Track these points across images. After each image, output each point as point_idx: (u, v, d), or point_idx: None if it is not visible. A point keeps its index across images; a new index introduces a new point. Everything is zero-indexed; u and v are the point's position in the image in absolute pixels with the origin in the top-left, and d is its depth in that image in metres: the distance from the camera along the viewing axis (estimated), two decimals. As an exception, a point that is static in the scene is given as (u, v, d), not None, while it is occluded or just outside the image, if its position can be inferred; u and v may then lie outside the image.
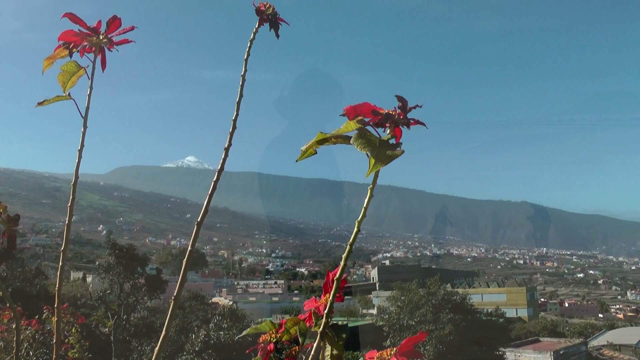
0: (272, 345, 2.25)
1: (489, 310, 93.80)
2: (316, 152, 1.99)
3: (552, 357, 54.73)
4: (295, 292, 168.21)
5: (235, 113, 2.44)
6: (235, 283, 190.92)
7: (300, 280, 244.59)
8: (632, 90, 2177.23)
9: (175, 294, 1.94)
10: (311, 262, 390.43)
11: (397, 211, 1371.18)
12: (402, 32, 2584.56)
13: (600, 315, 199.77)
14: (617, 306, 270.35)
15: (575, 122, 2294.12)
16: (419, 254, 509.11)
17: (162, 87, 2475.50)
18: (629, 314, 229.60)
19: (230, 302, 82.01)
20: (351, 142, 1.85)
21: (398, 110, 1.94)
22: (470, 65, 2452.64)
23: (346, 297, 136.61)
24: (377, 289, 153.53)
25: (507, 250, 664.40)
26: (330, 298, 2.13)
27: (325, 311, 2.12)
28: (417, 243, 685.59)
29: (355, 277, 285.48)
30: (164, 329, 2.17)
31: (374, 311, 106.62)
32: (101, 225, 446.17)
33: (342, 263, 2.07)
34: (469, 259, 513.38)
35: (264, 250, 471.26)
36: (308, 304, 2.31)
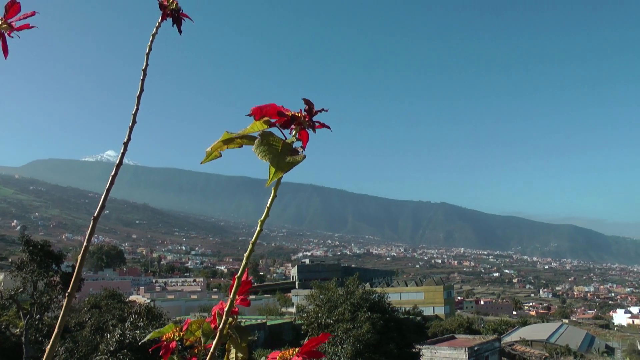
0: (174, 344, 2.27)
1: (407, 309, 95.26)
2: (221, 155, 1.98)
3: (467, 353, 55.86)
4: (215, 290, 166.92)
5: (135, 107, 2.40)
6: (154, 281, 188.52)
7: (220, 278, 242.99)
8: (547, 98, 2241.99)
9: (69, 291, 1.91)
10: (231, 260, 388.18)
11: (319, 210, 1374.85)
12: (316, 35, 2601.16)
13: (514, 313, 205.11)
14: (531, 304, 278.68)
15: (492, 128, 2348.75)
16: (339, 253, 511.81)
17: (80, 78, 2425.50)
18: (541, 311, 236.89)
19: (148, 301, 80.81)
20: (253, 149, 1.86)
21: (304, 113, 1.94)
22: (393, 66, 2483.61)
23: (265, 295, 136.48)
24: (297, 287, 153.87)
25: (425, 250, 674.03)
26: (231, 297, 2.08)
27: (225, 309, 2.08)
28: (337, 242, 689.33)
29: (275, 275, 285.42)
30: (57, 326, 1.85)
31: (293, 310, 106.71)
32: (15, 221, 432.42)
33: (243, 262, 2.07)
34: (388, 258, 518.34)
35: (184, 248, 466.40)
36: (216, 308, 2.26)
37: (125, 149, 2.43)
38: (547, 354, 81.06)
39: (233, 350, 2.12)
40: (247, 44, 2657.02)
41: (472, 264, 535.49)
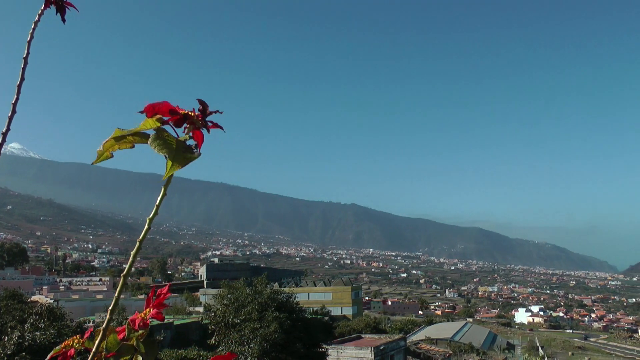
0: (72, 351, 2.20)
1: (315, 309, 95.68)
2: (112, 156, 1.95)
3: (372, 352, 56.45)
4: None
5: (15, 97, 2.32)
6: (58, 280, 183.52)
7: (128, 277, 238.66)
8: (455, 105, 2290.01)
9: None
10: (139, 258, 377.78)
11: (229, 209, 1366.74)
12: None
13: (421, 312, 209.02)
14: (437, 303, 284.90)
15: (402, 132, 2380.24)
16: (248, 253, 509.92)
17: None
18: (447, 310, 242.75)
19: (51, 301, 78.64)
20: (148, 143, 1.85)
21: (197, 113, 1.92)
22: (304, 72, 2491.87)
23: (173, 294, 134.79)
24: (205, 286, 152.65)
25: (335, 251, 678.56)
26: (116, 294, 2.06)
27: (110, 308, 2.05)
28: (247, 241, 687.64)
29: (183, 274, 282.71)
30: None
31: (201, 309, 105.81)
32: None
33: (130, 259, 1.70)
34: (297, 259, 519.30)
35: (90, 246, 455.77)
36: (132, 318, 2.16)
37: (3, 140, 2.33)
38: (451, 352, 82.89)
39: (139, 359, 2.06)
40: (163, 41, 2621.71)
41: (381, 264, 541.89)
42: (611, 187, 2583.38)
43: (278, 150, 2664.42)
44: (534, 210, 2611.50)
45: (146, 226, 2.02)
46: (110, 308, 2.01)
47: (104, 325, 2.01)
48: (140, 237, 1.98)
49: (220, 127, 1.97)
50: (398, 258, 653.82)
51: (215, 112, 1.93)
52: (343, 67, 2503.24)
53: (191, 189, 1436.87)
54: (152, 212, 2.03)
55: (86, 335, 2.19)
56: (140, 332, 2.06)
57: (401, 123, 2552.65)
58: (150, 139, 1.84)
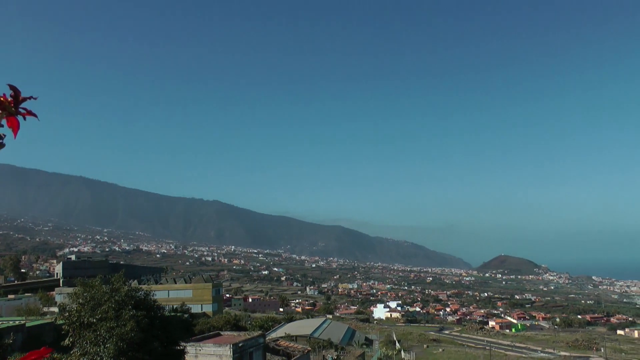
0: None
1: (175, 306, 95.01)
2: None
3: (231, 350, 56.73)
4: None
5: None
6: None
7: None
8: (311, 103, 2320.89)
9: None
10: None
11: (87, 204, 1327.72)
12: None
13: (281, 310, 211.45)
14: (297, 300, 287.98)
15: (267, 130, 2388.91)
16: (107, 249, 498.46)
17: None
18: (307, 307, 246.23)
19: None
20: None
21: (10, 99, 1.86)
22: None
23: (26, 294, 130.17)
24: (62, 285, 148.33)
25: (196, 248, 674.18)
26: None
27: None
28: (106, 238, 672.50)
29: (38, 272, 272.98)
30: None
31: (57, 309, 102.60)
32: None
33: None
34: (158, 255, 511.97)
35: None
36: None
37: None
38: (310, 348, 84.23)
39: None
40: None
41: (242, 262, 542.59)
42: (467, 189, 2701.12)
43: (139, 144, 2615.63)
44: (394, 210, 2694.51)
45: None
46: None
47: None
48: None
49: (34, 115, 1.91)
50: (260, 255, 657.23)
51: (29, 98, 1.86)
52: (205, 61, 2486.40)
53: (48, 182, 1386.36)
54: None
55: None
56: None
57: (261, 122, 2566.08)
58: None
